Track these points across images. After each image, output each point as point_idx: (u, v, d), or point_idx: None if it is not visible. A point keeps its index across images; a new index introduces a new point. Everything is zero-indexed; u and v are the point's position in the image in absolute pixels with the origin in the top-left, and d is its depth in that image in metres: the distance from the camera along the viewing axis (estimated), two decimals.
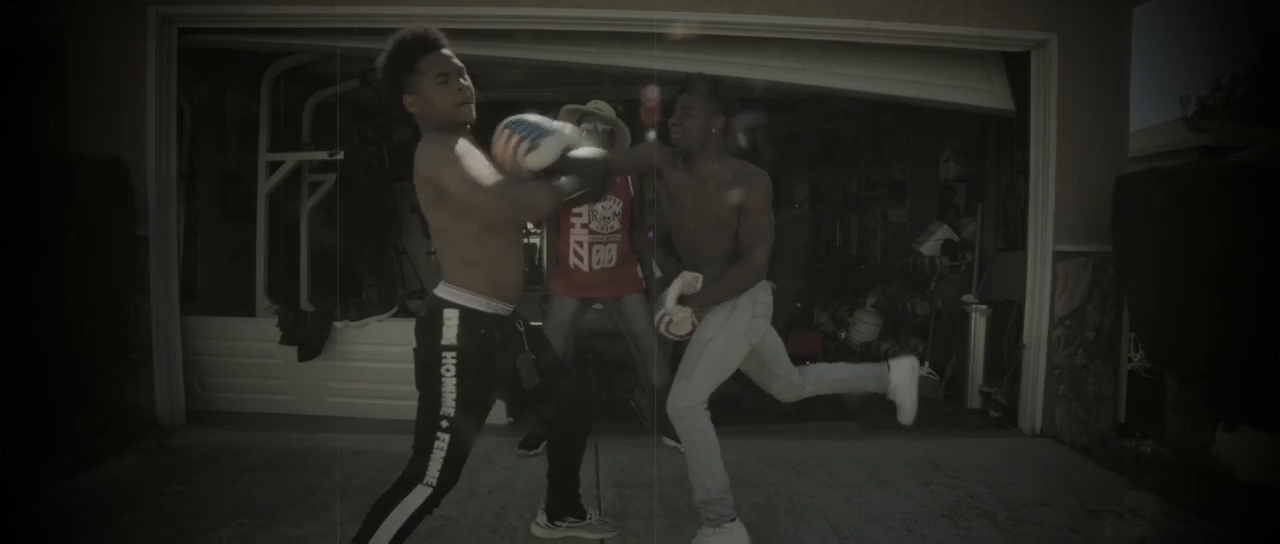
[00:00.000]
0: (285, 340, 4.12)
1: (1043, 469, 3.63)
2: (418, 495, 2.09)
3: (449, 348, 2.06)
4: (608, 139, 3.61)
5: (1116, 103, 4.20)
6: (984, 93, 4.31)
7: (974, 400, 4.70)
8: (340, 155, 4.57)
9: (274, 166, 4.53)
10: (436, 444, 2.08)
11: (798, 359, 2.96)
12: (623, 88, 5.59)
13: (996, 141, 4.94)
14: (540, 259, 9.48)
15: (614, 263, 3.63)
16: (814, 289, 7.96)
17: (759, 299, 2.65)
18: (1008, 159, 4.74)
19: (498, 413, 4.15)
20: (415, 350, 2.13)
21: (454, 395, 2.06)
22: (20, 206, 3.06)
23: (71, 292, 3.37)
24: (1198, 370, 3.67)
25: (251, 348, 4.23)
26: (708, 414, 2.61)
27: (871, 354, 6.20)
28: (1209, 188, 3.52)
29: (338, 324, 4.14)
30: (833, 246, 8.32)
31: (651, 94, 4.39)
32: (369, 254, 6.30)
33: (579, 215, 3.58)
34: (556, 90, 5.73)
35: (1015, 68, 4.31)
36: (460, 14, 3.94)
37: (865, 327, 6.38)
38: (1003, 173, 4.86)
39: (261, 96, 4.58)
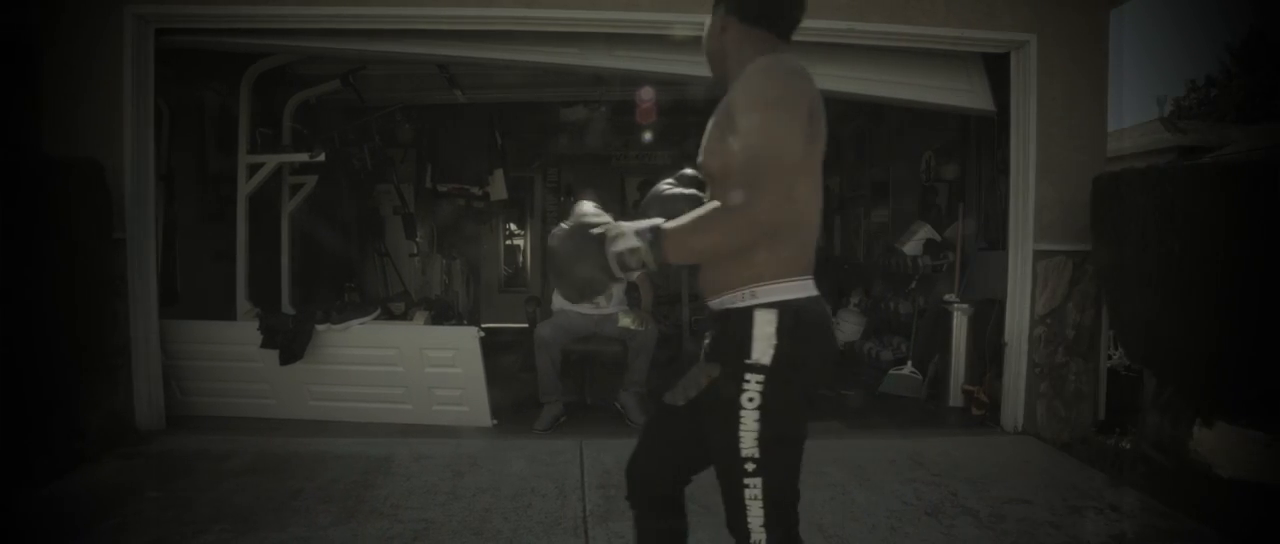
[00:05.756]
0: (266, 344, 4.07)
1: (1024, 466, 3.67)
2: None
3: None
4: None
5: (1095, 103, 4.25)
6: (965, 93, 4.35)
7: (956, 399, 4.73)
8: (321, 157, 4.53)
9: (254, 168, 4.48)
10: None
11: None
12: (614, 89, 5.59)
13: (978, 142, 4.98)
14: (523, 260, 9.46)
15: None
16: None
17: None
18: (989, 159, 4.78)
19: (483, 415, 4.14)
20: None
21: None
22: None
23: (46, 296, 3.31)
24: (1175, 367, 3.72)
25: (232, 352, 4.18)
26: None
27: (854, 353, 6.24)
28: (1185, 187, 3.56)
29: (320, 327, 4.10)
30: (816, 247, 8.35)
31: (647, 95, 4.40)
32: (351, 256, 6.27)
33: None
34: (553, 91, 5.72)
35: (996, 69, 4.34)
36: (436, 15, 3.92)
37: (849, 326, 6.42)
38: (984, 173, 4.91)
39: (241, 98, 4.53)
